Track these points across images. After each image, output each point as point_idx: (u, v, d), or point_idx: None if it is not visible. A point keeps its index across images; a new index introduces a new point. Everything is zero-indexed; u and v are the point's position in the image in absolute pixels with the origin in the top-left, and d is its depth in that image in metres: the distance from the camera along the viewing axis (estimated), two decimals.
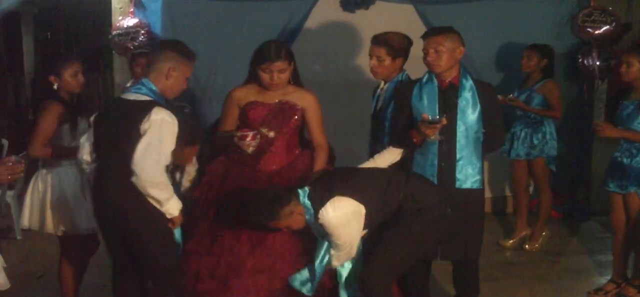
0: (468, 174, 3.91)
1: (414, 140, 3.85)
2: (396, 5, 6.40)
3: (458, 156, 3.89)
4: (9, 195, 6.11)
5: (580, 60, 6.40)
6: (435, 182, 3.90)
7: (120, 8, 6.59)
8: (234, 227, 3.71)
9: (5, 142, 7.06)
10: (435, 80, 3.93)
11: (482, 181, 3.96)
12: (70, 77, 4.23)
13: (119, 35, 6.35)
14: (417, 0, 6.40)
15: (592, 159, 6.73)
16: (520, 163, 5.88)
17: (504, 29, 6.39)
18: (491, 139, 4.01)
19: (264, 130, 3.89)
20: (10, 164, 3.15)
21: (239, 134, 3.80)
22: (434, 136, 3.77)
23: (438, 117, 3.76)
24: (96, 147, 3.66)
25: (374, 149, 4.29)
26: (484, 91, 3.95)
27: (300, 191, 3.57)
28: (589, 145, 6.71)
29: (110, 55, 7.22)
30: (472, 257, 4.06)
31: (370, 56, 4.33)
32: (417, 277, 4.06)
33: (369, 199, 3.57)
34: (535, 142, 5.76)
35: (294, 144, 4.07)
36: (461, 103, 3.88)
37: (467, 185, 3.91)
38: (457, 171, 3.89)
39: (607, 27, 6.28)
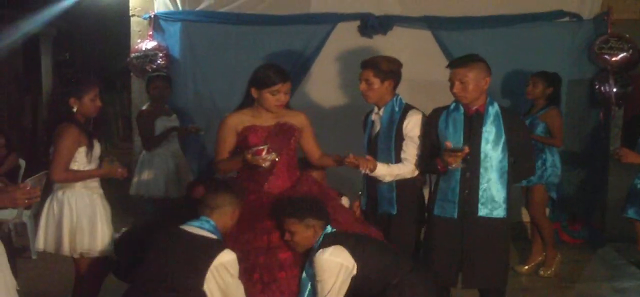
0: (491, 202, 3.90)
1: (439, 167, 3.87)
2: (414, 31, 6.43)
3: (481, 184, 3.89)
4: (26, 214, 6.16)
5: (596, 87, 6.40)
6: (457, 209, 3.91)
7: (139, 31, 6.67)
8: (246, 266, 3.65)
9: (22, 162, 7.13)
10: (462, 108, 3.95)
11: (506, 210, 3.95)
12: (90, 101, 4.25)
13: (138, 57, 6.43)
14: (434, 25, 6.43)
15: (608, 184, 6.68)
16: (520, 189, 5.84)
17: (521, 56, 6.39)
18: (519, 169, 4.01)
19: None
20: (28, 188, 3.17)
21: (253, 150, 3.79)
22: (456, 164, 3.77)
23: (461, 145, 3.77)
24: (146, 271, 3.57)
25: (370, 178, 4.27)
26: (510, 120, 3.96)
27: (329, 225, 3.68)
28: (605, 171, 6.67)
29: (128, 77, 7.27)
30: (498, 287, 4.04)
31: (360, 80, 4.30)
32: None
33: (366, 265, 3.58)
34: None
35: (293, 166, 4.08)
36: (485, 131, 3.89)
37: (491, 213, 3.91)
38: (479, 199, 3.89)
39: (624, 54, 6.29)
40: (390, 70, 4.24)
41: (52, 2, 7.73)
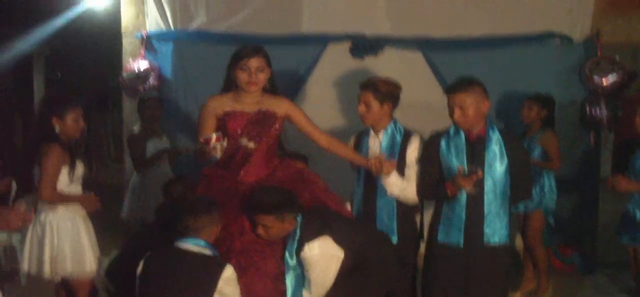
0: (495, 227, 3.91)
1: (448, 192, 3.86)
2: (405, 53, 6.44)
3: (486, 210, 3.89)
4: (15, 239, 6.10)
5: (587, 110, 6.40)
6: (462, 235, 3.92)
7: (131, 50, 6.68)
8: (222, 252, 3.64)
9: (14, 185, 7.08)
10: (462, 133, 3.94)
11: (508, 235, 3.96)
12: (72, 122, 4.25)
13: (129, 77, 6.42)
14: (425, 47, 6.45)
15: (599, 209, 6.67)
16: (517, 215, 5.83)
17: (511, 78, 6.40)
18: (517, 191, 4.01)
19: (244, 142, 3.86)
20: (22, 210, 3.15)
21: (201, 140, 3.70)
22: (469, 188, 3.76)
23: (473, 169, 3.77)
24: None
25: (367, 198, 4.27)
26: (510, 143, 3.97)
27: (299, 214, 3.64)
28: (596, 195, 6.65)
29: (119, 96, 7.27)
30: None
31: (359, 101, 4.29)
32: None
33: (348, 248, 3.59)
34: (533, 194, 5.66)
35: (272, 154, 4.03)
36: (489, 156, 3.90)
37: (495, 239, 3.91)
38: (485, 225, 3.89)
39: (615, 77, 6.29)
40: (389, 92, 4.23)
41: (44, 22, 7.74)
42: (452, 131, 4.01)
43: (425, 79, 6.30)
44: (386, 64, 6.27)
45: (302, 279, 3.60)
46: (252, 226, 3.66)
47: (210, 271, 3.46)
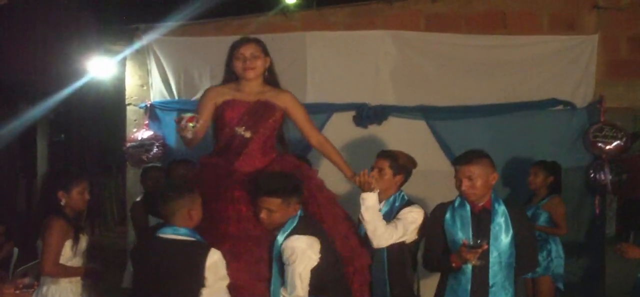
0: None
1: (453, 264, 3.83)
2: (408, 121, 6.48)
3: (491, 282, 3.84)
4: None
5: (592, 175, 6.42)
6: None
7: (135, 120, 6.71)
8: (216, 235, 3.63)
9: (16, 250, 7.04)
10: (468, 205, 3.93)
11: None
12: (78, 195, 4.25)
13: (134, 147, 6.44)
14: (429, 115, 6.48)
15: (605, 273, 6.64)
16: (526, 282, 5.79)
17: (515, 145, 6.42)
18: (523, 263, 3.97)
19: (240, 130, 3.86)
20: (22, 286, 3.13)
21: (175, 119, 3.70)
22: (474, 261, 3.75)
23: (478, 242, 3.75)
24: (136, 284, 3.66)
25: None
26: (515, 216, 3.94)
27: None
28: (602, 258, 6.64)
29: (123, 160, 7.29)
30: None
31: (372, 168, 4.28)
32: None
33: (321, 262, 3.58)
34: (540, 259, 5.63)
35: (270, 146, 4.01)
36: (494, 229, 3.86)
37: None
38: (489, 295, 3.85)
39: (618, 142, 6.36)
40: (405, 166, 4.28)
41: (51, 91, 7.82)
42: (457, 203, 3.99)
43: (429, 146, 6.31)
44: (390, 132, 6.31)
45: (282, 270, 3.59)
46: (255, 210, 3.64)
47: (193, 257, 3.46)
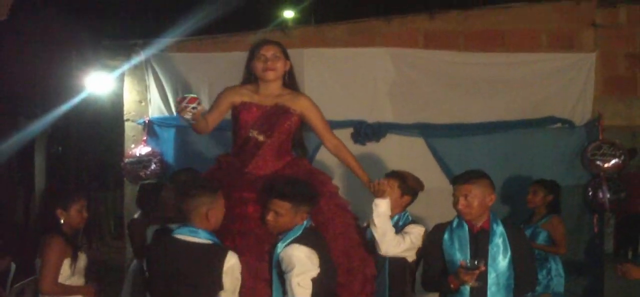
0: None
1: (451, 286, 3.82)
2: (407, 138, 6.47)
3: None
4: None
5: (590, 193, 6.42)
6: None
7: (133, 136, 6.71)
8: (220, 231, 3.64)
9: (13, 266, 7.02)
10: (466, 225, 3.93)
11: None
12: (76, 213, 4.27)
13: (131, 163, 6.42)
14: (427, 133, 6.48)
15: (604, 292, 6.61)
16: None
17: (513, 162, 6.42)
18: (521, 284, 3.96)
19: (254, 133, 3.88)
20: None
21: (177, 99, 3.71)
22: (472, 282, 3.74)
23: (475, 263, 3.74)
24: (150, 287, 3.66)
25: None
26: (514, 236, 3.94)
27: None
28: (601, 278, 6.61)
29: (120, 174, 7.28)
30: None
31: None
32: None
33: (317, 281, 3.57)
34: (540, 278, 5.62)
35: (284, 150, 4.01)
36: (492, 250, 3.87)
37: None
38: None
39: (616, 160, 6.35)
40: (413, 188, 4.31)
41: (49, 105, 7.82)
42: (455, 224, 3.99)
43: (427, 164, 6.29)
44: (388, 150, 6.31)
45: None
46: (263, 211, 3.64)
47: (211, 261, 3.46)
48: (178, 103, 3.63)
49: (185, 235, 3.55)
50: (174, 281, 3.50)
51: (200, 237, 3.54)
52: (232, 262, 3.49)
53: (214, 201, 3.60)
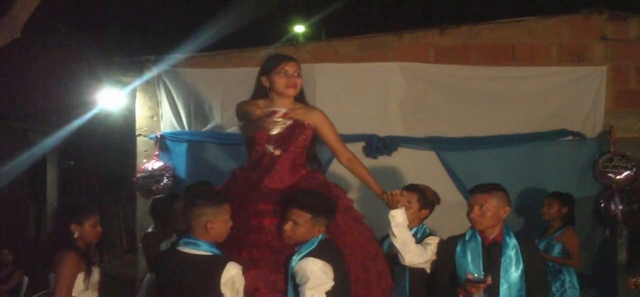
0: None
1: None
2: (418, 152, 6.49)
3: None
4: None
5: (602, 205, 6.42)
6: None
7: (146, 150, 6.74)
8: (234, 243, 3.66)
9: (26, 279, 7.06)
10: (479, 237, 3.94)
11: None
12: (90, 228, 4.25)
13: (144, 177, 6.46)
14: (438, 146, 6.49)
15: None
16: None
17: (525, 175, 6.42)
18: (533, 296, 3.97)
19: (270, 148, 3.90)
20: None
21: (268, 111, 3.80)
22: (478, 295, 3.74)
23: (483, 276, 3.75)
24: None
25: None
26: (527, 249, 3.96)
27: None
28: (614, 290, 6.59)
29: (132, 188, 7.31)
30: None
31: None
32: None
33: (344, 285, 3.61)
34: (554, 290, 5.66)
35: (299, 164, 4.01)
36: (504, 262, 3.88)
37: None
38: None
39: (628, 172, 6.37)
40: (431, 202, 4.37)
41: (61, 122, 7.87)
42: (468, 236, 4.00)
43: (438, 177, 6.28)
44: (400, 163, 6.33)
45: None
46: (281, 221, 3.65)
47: (209, 272, 3.46)
48: (270, 117, 3.85)
49: (186, 247, 3.58)
50: (176, 293, 3.53)
51: (201, 249, 3.55)
52: (232, 274, 3.48)
53: (217, 213, 3.60)
